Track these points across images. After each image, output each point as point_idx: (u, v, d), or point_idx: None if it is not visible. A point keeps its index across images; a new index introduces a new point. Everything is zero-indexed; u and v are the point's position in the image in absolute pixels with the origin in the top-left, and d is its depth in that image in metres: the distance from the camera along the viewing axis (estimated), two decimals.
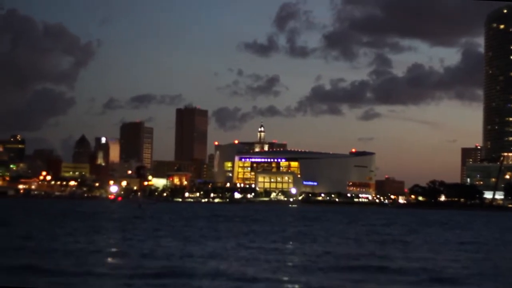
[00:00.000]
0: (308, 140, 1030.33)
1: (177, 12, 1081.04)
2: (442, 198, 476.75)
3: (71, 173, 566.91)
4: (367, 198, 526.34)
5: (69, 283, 46.07)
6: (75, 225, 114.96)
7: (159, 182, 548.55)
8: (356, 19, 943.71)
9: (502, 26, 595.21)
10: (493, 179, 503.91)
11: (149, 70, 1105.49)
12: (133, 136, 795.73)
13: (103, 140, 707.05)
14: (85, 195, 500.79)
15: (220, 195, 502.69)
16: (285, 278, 49.70)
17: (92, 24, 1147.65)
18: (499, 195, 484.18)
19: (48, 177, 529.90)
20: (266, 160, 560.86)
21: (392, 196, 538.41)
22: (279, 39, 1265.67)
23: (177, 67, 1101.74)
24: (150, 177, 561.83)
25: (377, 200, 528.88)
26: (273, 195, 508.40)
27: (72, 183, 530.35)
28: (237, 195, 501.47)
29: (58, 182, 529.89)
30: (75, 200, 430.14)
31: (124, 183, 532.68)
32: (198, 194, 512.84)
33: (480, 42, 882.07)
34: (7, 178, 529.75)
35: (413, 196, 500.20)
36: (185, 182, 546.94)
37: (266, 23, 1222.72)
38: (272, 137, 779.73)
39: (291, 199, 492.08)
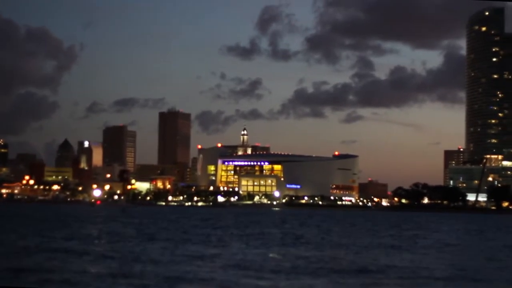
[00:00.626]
0: (291, 143, 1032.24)
1: (160, 16, 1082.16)
2: (426, 200, 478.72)
3: (54, 177, 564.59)
4: (350, 201, 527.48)
5: (61, 282, 45.97)
6: (56, 229, 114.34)
7: (142, 186, 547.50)
8: (338, 22, 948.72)
9: (484, 28, 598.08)
10: (476, 181, 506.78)
11: (132, 73, 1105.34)
12: (116, 140, 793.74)
13: (86, 144, 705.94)
14: (68, 199, 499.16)
15: (204, 198, 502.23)
16: (269, 283, 49.51)
17: (75, 27, 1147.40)
18: (482, 197, 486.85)
19: (31, 181, 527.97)
20: (249, 163, 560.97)
21: (376, 199, 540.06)
22: (262, 42, 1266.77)
23: (160, 70, 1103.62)
24: (133, 181, 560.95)
25: (360, 203, 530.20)
26: (256, 198, 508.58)
27: (55, 187, 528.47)
28: (220, 199, 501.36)
29: (41, 186, 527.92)
30: (58, 204, 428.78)
31: (107, 187, 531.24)
32: (181, 197, 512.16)
33: (462, 44, 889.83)
34: None
35: (396, 199, 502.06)
36: (168, 186, 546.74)
37: (249, 26, 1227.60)
38: (255, 140, 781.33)
39: (274, 202, 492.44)
